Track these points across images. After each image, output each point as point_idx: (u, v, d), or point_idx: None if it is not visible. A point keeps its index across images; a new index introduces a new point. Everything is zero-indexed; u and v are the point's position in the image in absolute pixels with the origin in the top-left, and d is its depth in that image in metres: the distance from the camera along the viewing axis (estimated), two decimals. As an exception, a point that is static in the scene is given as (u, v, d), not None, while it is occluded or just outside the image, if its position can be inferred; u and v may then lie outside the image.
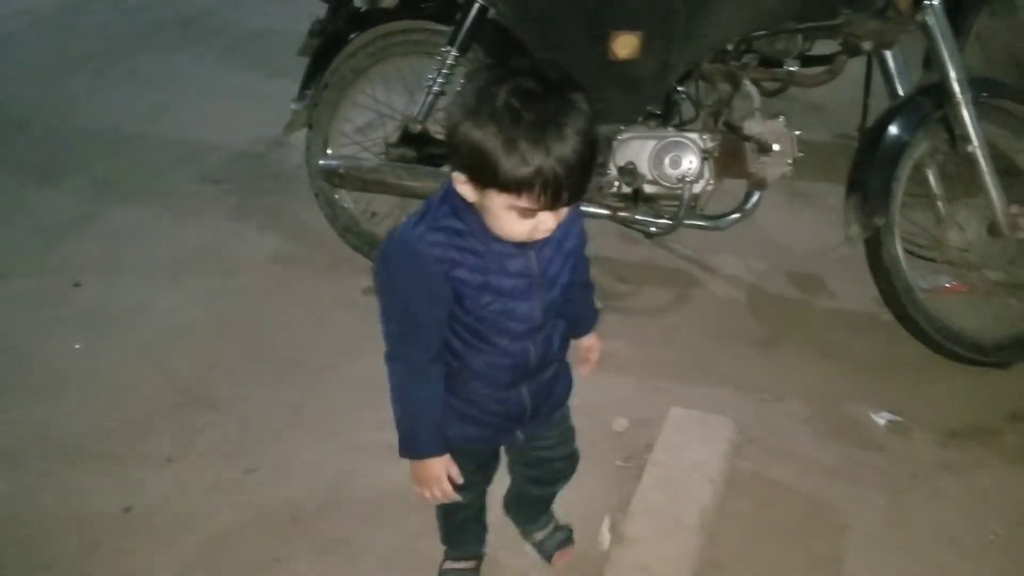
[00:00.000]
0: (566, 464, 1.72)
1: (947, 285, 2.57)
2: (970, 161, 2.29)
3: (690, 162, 2.41)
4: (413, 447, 1.43)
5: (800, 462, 2.11)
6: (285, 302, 2.72)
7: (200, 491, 2.06)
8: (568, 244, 1.40)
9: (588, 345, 1.64)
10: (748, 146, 2.41)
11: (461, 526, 1.75)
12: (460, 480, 1.47)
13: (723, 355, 2.46)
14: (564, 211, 1.25)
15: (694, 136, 2.42)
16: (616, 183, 2.46)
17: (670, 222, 2.45)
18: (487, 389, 1.44)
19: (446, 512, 1.71)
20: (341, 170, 2.60)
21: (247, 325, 2.63)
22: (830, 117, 3.38)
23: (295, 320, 2.61)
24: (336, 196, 2.80)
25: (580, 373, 1.64)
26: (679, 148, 2.41)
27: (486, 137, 1.16)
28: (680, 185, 2.41)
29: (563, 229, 1.33)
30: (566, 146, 1.16)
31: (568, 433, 1.69)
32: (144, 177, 3.49)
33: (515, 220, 1.23)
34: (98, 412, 2.30)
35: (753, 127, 2.40)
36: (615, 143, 2.45)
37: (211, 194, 3.34)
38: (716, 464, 1.95)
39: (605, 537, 1.87)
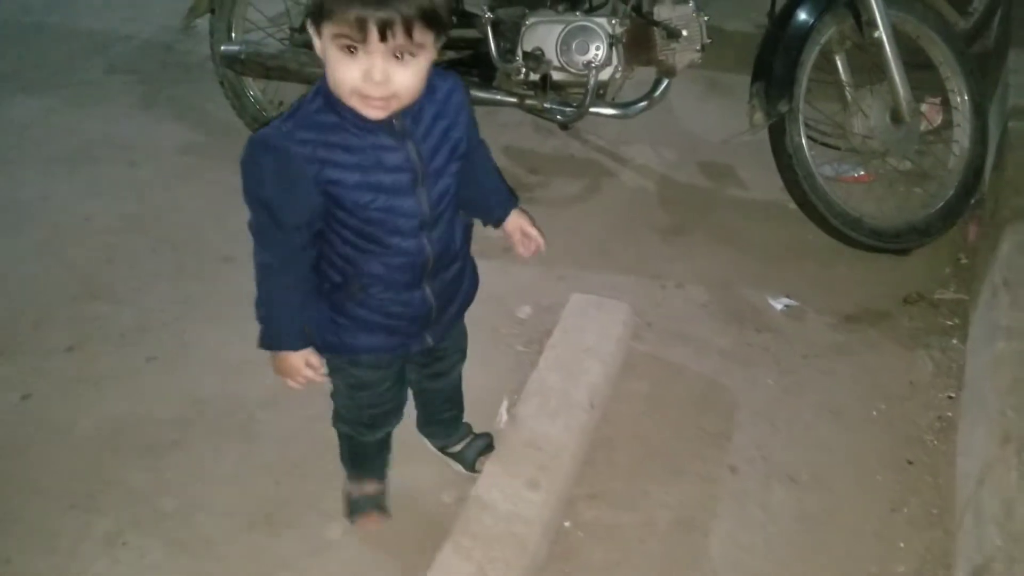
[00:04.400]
0: (458, 359, 1.69)
1: (855, 175, 2.60)
2: (876, 47, 2.29)
3: (597, 48, 2.37)
4: (273, 340, 1.38)
5: (697, 345, 2.15)
6: (188, 193, 2.65)
7: (99, 379, 2.05)
8: (455, 133, 1.32)
9: (512, 227, 1.55)
10: (657, 32, 2.38)
11: (365, 454, 1.70)
12: (323, 370, 1.44)
13: (629, 243, 2.47)
14: (407, 68, 1.17)
15: (602, 21, 2.37)
16: (523, 69, 2.41)
17: (577, 109, 2.42)
18: (387, 292, 1.37)
19: (352, 443, 1.67)
20: (242, 56, 2.52)
21: (148, 216, 2.57)
22: (754, 7, 3.33)
23: (198, 211, 2.55)
24: (243, 85, 2.71)
25: (520, 256, 1.57)
26: (586, 33, 2.37)
27: None
28: (587, 71, 2.37)
29: (449, 118, 1.29)
30: None
31: (462, 337, 1.64)
32: (46, 69, 3.35)
33: (343, 61, 1.15)
34: (-6, 303, 2.25)
35: (662, 12, 2.37)
36: (523, 28, 2.40)
37: (116, 85, 3.22)
38: (609, 346, 1.97)
39: (502, 418, 1.90)
